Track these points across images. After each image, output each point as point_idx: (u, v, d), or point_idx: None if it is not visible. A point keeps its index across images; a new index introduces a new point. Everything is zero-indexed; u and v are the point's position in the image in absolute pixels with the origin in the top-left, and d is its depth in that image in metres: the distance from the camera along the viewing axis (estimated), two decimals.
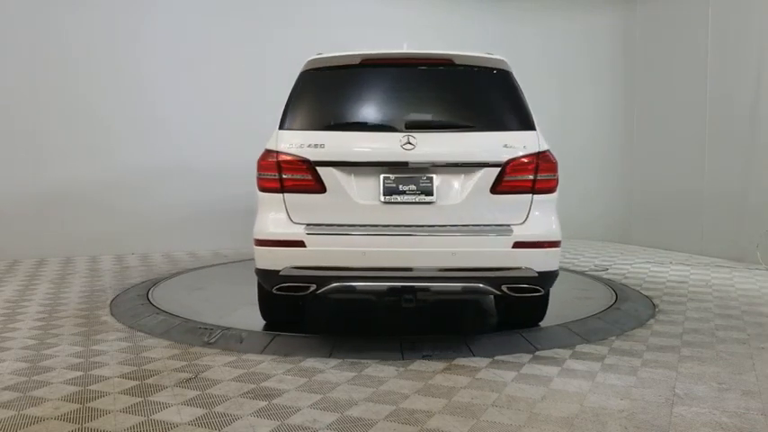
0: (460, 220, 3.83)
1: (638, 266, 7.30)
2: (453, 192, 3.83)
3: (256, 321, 4.51)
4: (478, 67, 4.17)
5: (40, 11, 7.69)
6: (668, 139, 8.91)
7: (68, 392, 3.20)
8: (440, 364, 3.65)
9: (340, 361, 3.71)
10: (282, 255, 3.78)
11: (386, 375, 3.47)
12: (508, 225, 3.84)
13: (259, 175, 3.95)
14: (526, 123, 3.98)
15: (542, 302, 4.33)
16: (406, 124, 3.90)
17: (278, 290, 3.83)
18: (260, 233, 3.89)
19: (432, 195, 3.80)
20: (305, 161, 3.80)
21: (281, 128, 3.95)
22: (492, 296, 4.58)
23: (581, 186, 9.24)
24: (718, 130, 8.03)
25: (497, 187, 3.83)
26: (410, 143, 3.79)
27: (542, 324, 4.40)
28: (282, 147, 3.85)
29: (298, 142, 3.84)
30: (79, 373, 3.49)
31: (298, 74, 4.16)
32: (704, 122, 8.21)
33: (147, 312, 4.80)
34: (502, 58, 4.19)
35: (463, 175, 3.84)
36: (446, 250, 3.74)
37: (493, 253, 3.79)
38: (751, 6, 7.59)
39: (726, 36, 7.93)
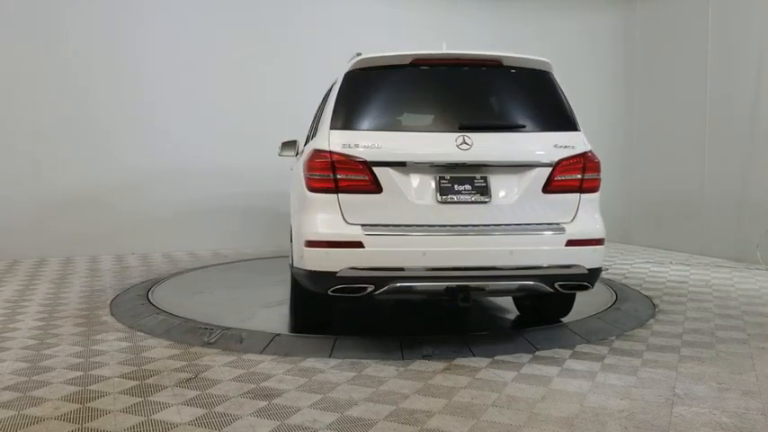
0: (515, 220, 3.86)
1: (638, 266, 7.30)
2: (507, 191, 3.86)
3: (257, 322, 4.51)
4: (525, 68, 4.22)
5: (40, 11, 7.69)
6: (668, 140, 8.91)
7: (68, 392, 3.19)
8: (440, 364, 3.65)
9: (340, 361, 3.71)
10: (340, 256, 3.68)
11: (386, 375, 3.47)
12: (559, 224, 3.90)
13: (309, 175, 3.84)
14: (572, 124, 4.09)
15: (572, 298, 4.48)
16: (460, 125, 3.89)
17: (333, 291, 3.73)
18: (313, 234, 3.75)
19: (487, 195, 3.81)
20: (362, 161, 3.74)
21: (332, 128, 3.86)
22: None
23: None
24: (718, 131, 8.03)
25: (549, 186, 3.89)
26: (466, 143, 3.80)
27: (542, 324, 4.42)
28: (336, 147, 3.77)
29: (352, 142, 3.78)
30: (79, 373, 3.49)
31: (342, 74, 4.06)
32: (704, 123, 8.21)
33: (147, 312, 4.80)
34: (546, 60, 4.24)
35: (516, 175, 3.88)
36: (503, 249, 3.76)
37: (549, 251, 3.84)
38: (751, 6, 7.59)
39: (726, 36, 7.93)
